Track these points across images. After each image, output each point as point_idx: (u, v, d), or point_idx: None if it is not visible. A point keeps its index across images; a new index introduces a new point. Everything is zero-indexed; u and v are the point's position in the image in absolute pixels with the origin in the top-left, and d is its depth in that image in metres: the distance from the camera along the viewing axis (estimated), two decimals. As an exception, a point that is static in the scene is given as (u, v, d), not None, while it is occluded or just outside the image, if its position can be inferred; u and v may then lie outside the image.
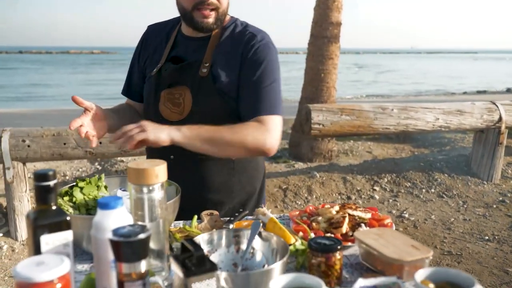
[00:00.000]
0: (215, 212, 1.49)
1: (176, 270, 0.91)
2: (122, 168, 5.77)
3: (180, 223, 1.46)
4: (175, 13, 1.71)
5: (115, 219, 0.94)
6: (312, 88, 6.26)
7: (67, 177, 5.63)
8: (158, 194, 1.06)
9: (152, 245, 1.06)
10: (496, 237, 3.95)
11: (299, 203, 4.72)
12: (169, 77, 1.63)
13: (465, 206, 4.66)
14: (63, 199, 1.35)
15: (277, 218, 1.43)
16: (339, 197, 4.87)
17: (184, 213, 1.47)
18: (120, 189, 1.48)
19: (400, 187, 5.06)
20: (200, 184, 1.66)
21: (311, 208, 1.49)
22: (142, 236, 0.84)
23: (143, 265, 0.86)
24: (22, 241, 3.83)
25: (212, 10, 1.56)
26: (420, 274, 0.97)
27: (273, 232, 1.25)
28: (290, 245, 1.19)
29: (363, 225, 1.36)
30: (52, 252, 0.90)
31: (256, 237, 1.19)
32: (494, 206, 4.63)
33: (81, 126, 1.43)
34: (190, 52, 1.65)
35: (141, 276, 0.86)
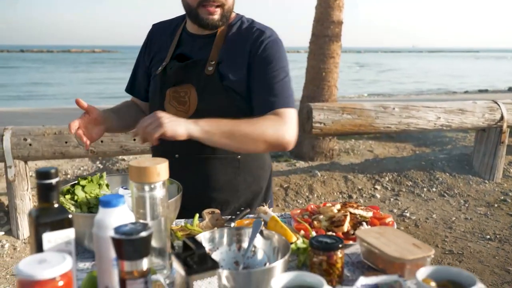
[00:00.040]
0: (217, 211, 1.49)
1: (178, 268, 0.92)
2: (123, 167, 5.78)
3: (182, 222, 1.46)
4: (177, 10, 1.71)
5: (117, 217, 0.94)
6: (313, 87, 6.25)
7: (68, 176, 5.63)
8: (159, 192, 1.06)
9: (154, 243, 1.06)
10: (498, 236, 3.94)
11: (300, 202, 4.72)
12: (174, 75, 1.62)
13: (467, 205, 4.66)
14: (65, 197, 1.35)
15: (278, 216, 1.43)
16: (340, 196, 4.87)
17: (189, 212, 1.47)
18: (122, 187, 1.48)
19: (402, 186, 5.05)
20: (205, 183, 1.64)
21: (312, 206, 1.49)
22: (144, 234, 0.84)
23: (145, 263, 0.86)
24: (24, 239, 3.84)
25: (217, 6, 1.55)
26: (422, 273, 0.97)
27: (275, 230, 1.25)
28: (292, 243, 1.19)
29: (364, 223, 1.36)
30: (54, 250, 0.90)
31: (258, 235, 1.19)
32: (496, 205, 4.62)
33: (78, 128, 1.47)
34: (195, 50, 1.64)
35: (143, 274, 0.86)
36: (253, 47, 1.57)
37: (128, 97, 1.92)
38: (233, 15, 1.66)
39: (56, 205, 0.93)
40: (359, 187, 5.00)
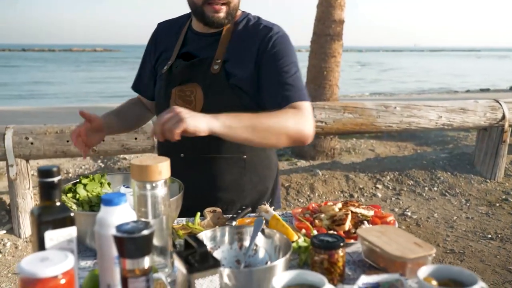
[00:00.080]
0: (218, 209, 1.49)
1: (179, 266, 0.92)
2: (124, 166, 5.78)
3: (183, 220, 1.47)
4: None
5: (119, 215, 0.94)
6: (314, 86, 6.25)
7: (70, 175, 5.64)
8: (161, 190, 1.06)
9: (155, 241, 1.06)
10: (499, 236, 3.94)
11: (302, 201, 4.72)
12: (180, 74, 1.61)
13: (468, 204, 4.66)
14: (66, 196, 1.35)
15: (279, 215, 1.43)
16: (342, 195, 4.87)
17: (194, 212, 1.47)
18: (123, 186, 1.48)
19: (403, 185, 5.05)
20: (211, 183, 1.63)
21: (313, 205, 1.49)
22: (145, 232, 0.84)
23: (146, 261, 0.86)
24: (25, 238, 3.84)
25: (223, 4, 1.53)
26: (423, 271, 0.97)
27: (276, 229, 1.25)
28: (293, 242, 1.19)
29: (365, 222, 1.36)
30: (56, 248, 0.90)
31: (259, 234, 1.19)
32: (497, 204, 4.62)
33: (79, 137, 1.49)
34: (201, 49, 1.63)
35: (144, 272, 0.86)
36: (261, 44, 1.56)
37: (134, 94, 1.93)
38: (239, 12, 1.65)
39: (58, 203, 0.93)
40: (361, 186, 5.00)
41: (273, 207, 1.51)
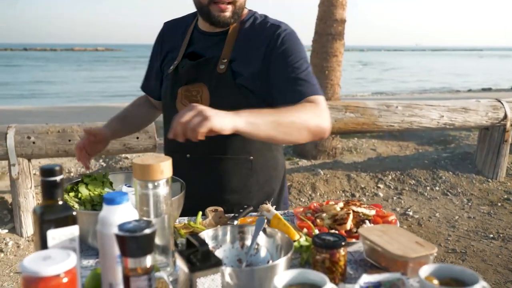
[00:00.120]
0: (220, 209, 1.50)
1: (181, 265, 0.92)
2: (126, 165, 5.79)
3: (185, 219, 1.47)
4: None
5: (121, 214, 0.94)
6: (316, 86, 6.24)
7: (71, 174, 5.65)
8: (163, 190, 1.06)
9: (157, 240, 1.06)
10: (501, 235, 3.94)
11: (303, 200, 4.73)
12: (186, 74, 1.60)
13: (470, 204, 4.65)
14: (68, 195, 1.35)
15: (281, 214, 1.43)
16: (343, 194, 4.87)
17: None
18: (125, 185, 1.48)
19: (405, 185, 5.05)
20: (217, 184, 1.62)
21: (315, 204, 1.49)
22: (147, 231, 0.85)
23: (148, 260, 0.86)
24: (27, 237, 3.85)
25: (229, 3, 1.52)
26: (425, 270, 0.97)
27: (278, 228, 1.25)
28: (295, 241, 1.19)
29: (367, 221, 1.36)
30: (59, 247, 0.91)
31: (261, 233, 1.19)
32: (499, 204, 4.62)
33: (82, 149, 1.55)
34: (207, 48, 1.61)
35: (146, 271, 0.86)
36: (270, 42, 1.54)
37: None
38: (245, 11, 1.63)
39: (60, 202, 0.94)
40: (362, 186, 5.00)
41: (274, 207, 1.51)
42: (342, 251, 1.07)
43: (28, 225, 3.87)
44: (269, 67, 1.53)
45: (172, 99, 1.63)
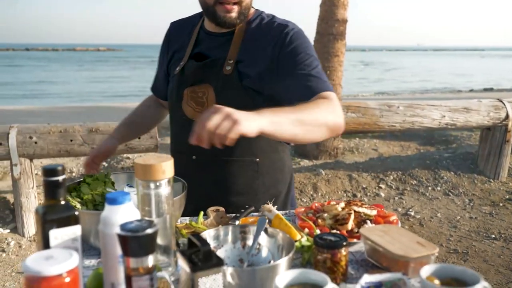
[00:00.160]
0: (221, 209, 1.50)
1: (183, 265, 0.92)
2: (128, 165, 5.80)
3: (187, 219, 1.47)
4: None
5: (123, 214, 0.95)
6: (317, 86, 6.23)
7: (73, 174, 5.66)
8: (165, 190, 1.06)
9: (159, 240, 1.06)
10: (503, 236, 3.93)
11: (305, 200, 4.73)
12: (192, 75, 1.58)
13: (471, 204, 4.65)
14: (70, 195, 1.36)
15: (282, 214, 1.43)
16: (345, 194, 4.87)
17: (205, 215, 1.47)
18: (127, 185, 1.49)
19: (406, 185, 5.04)
20: (223, 186, 1.60)
21: (316, 204, 1.49)
22: (149, 231, 0.85)
23: (150, 260, 0.87)
24: (29, 237, 3.86)
25: (235, 4, 1.50)
26: (426, 271, 0.97)
27: (279, 228, 1.25)
28: (296, 241, 1.19)
29: (368, 222, 1.36)
30: (61, 247, 0.91)
31: (262, 233, 1.19)
32: (501, 204, 4.61)
33: (91, 164, 1.64)
34: (213, 49, 1.60)
35: (148, 270, 0.87)
36: (278, 41, 1.52)
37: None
38: (252, 11, 1.61)
39: (62, 202, 0.94)
40: (364, 186, 4.99)
41: (275, 207, 1.51)
42: (343, 251, 1.07)
43: (30, 225, 3.88)
44: (278, 66, 1.50)
45: (178, 100, 1.62)
